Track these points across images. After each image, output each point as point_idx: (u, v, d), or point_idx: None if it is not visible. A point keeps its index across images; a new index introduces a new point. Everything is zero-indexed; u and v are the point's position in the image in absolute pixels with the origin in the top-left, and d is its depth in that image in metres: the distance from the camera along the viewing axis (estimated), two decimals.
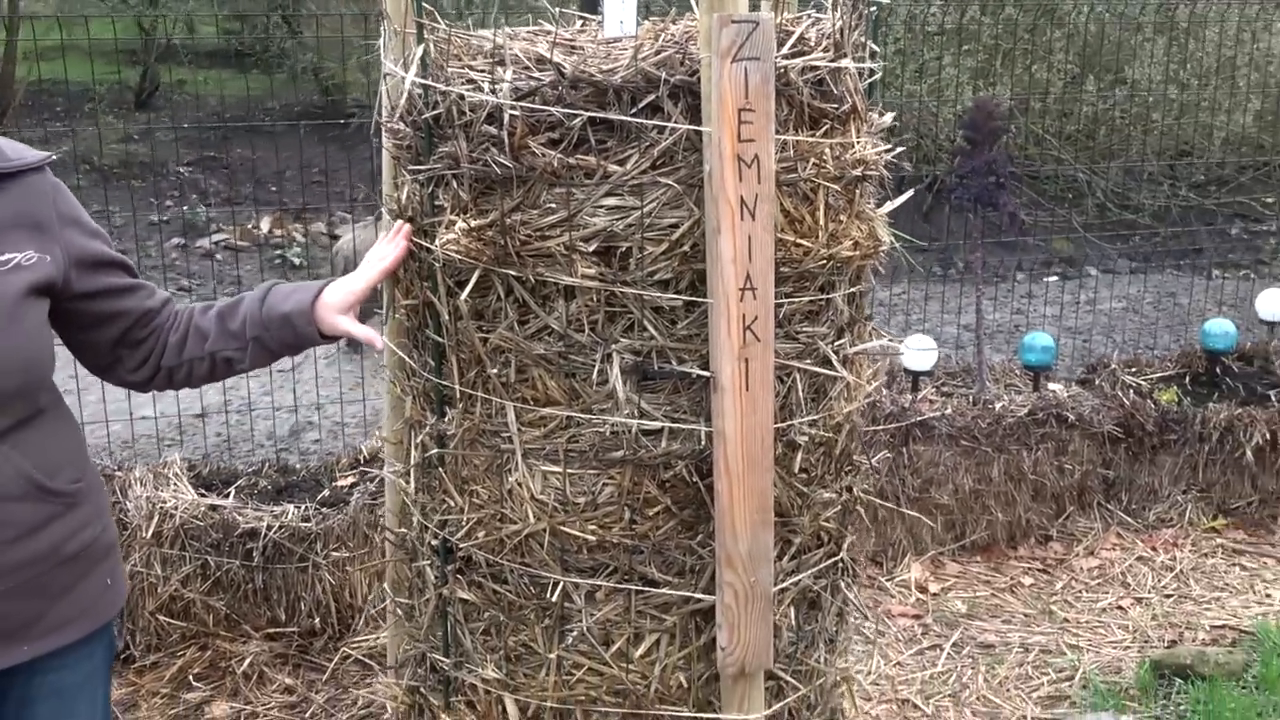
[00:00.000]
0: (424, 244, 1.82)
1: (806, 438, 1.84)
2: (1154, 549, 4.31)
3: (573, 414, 1.75)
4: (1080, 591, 4.07)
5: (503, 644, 1.88)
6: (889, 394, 4.25)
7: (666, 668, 1.84)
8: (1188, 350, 4.88)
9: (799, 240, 1.74)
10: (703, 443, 1.75)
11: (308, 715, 3.28)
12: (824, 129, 1.75)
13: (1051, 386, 4.51)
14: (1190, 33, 8.43)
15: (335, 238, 8.28)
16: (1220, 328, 4.63)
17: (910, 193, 1.96)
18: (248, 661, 3.40)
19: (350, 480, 3.80)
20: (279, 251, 8.80)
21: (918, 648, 3.71)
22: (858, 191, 1.82)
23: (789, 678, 1.94)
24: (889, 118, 1.90)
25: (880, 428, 4.08)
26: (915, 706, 3.40)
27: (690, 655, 1.85)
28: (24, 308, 1.71)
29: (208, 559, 3.40)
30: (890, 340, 1.98)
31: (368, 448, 4.00)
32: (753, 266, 1.64)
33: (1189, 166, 9.45)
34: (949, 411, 4.19)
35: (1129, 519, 4.43)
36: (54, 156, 1.84)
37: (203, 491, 3.60)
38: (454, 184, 1.76)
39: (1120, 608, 3.97)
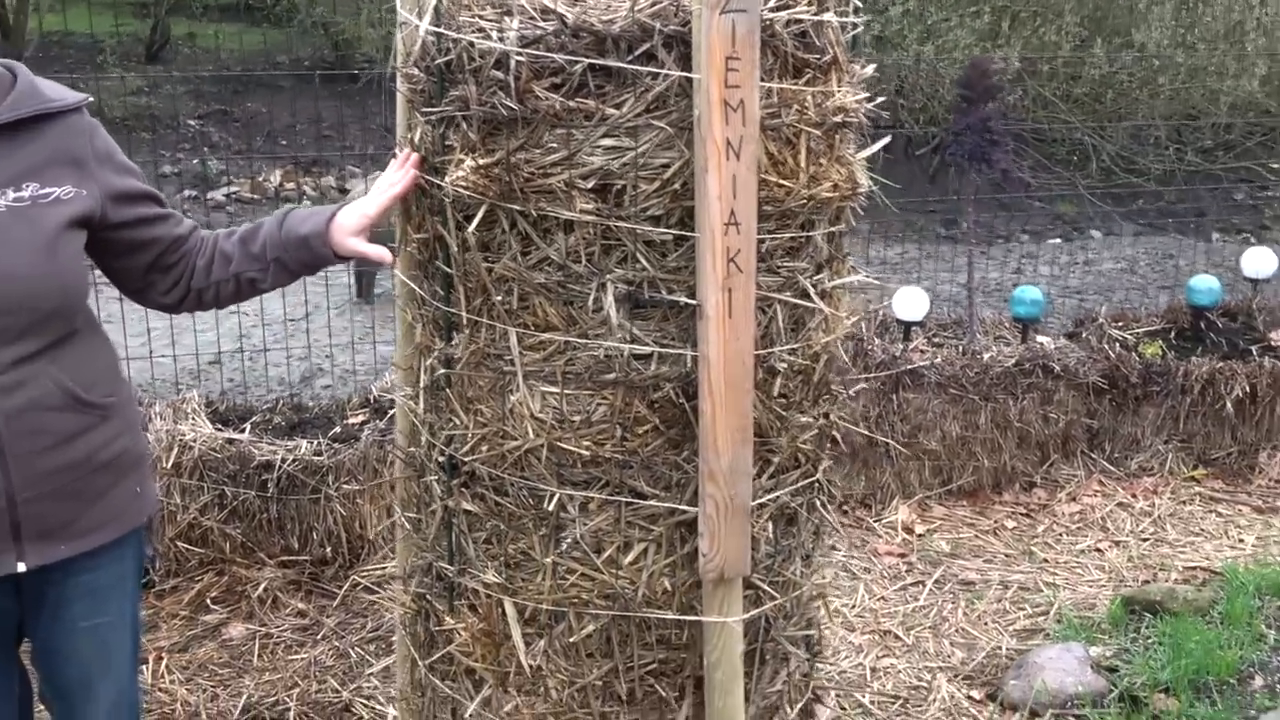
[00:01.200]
0: (435, 181, 1.97)
1: (786, 365, 1.99)
2: (1134, 496, 4.47)
3: (570, 339, 1.91)
4: (1061, 534, 4.24)
5: (503, 551, 2.04)
6: (880, 343, 4.40)
7: (653, 574, 2.00)
8: (1174, 306, 5.03)
9: (781, 181, 1.89)
10: (689, 366, 1.90)
11: (319, 637, 3.46)
12: (806, 78, 1.89)
13: (1040, 339, 4.65)
14: None
15: (345, 191, 8.39)
16: (1205, 284, 4.77)
17: (887, 139, 2.10)
18: (262, 586, 3.58)
19: (361, 418, 3.97)
20: (290, 205, 8.91)
21: (902, 584, 3.89)
22: (838, 137, 1.96)
23: (766, 587, 2.10)
24: (870, 69, 2.04)
25: (871, 375, 4.23)
26: (897, 637, 3.58)
27: (675, 563, 2.01)
28: (62, 239, 1.87)
29: (225, 489, 3.56)
30: (867, 277, 2.12)
31: (378, 388, 4.17)
32: (737, 203, 1.79)
33: (1196, 131, 9.52)
34: (939, 360, 4.34)
35: (1111, 467, 4.59)
36: (90, 99, 1.98)
37: (219, 426, 3.77)
38: (463, 125, 1.90)
39: (1098, 550, 4.13)
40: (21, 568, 1.92)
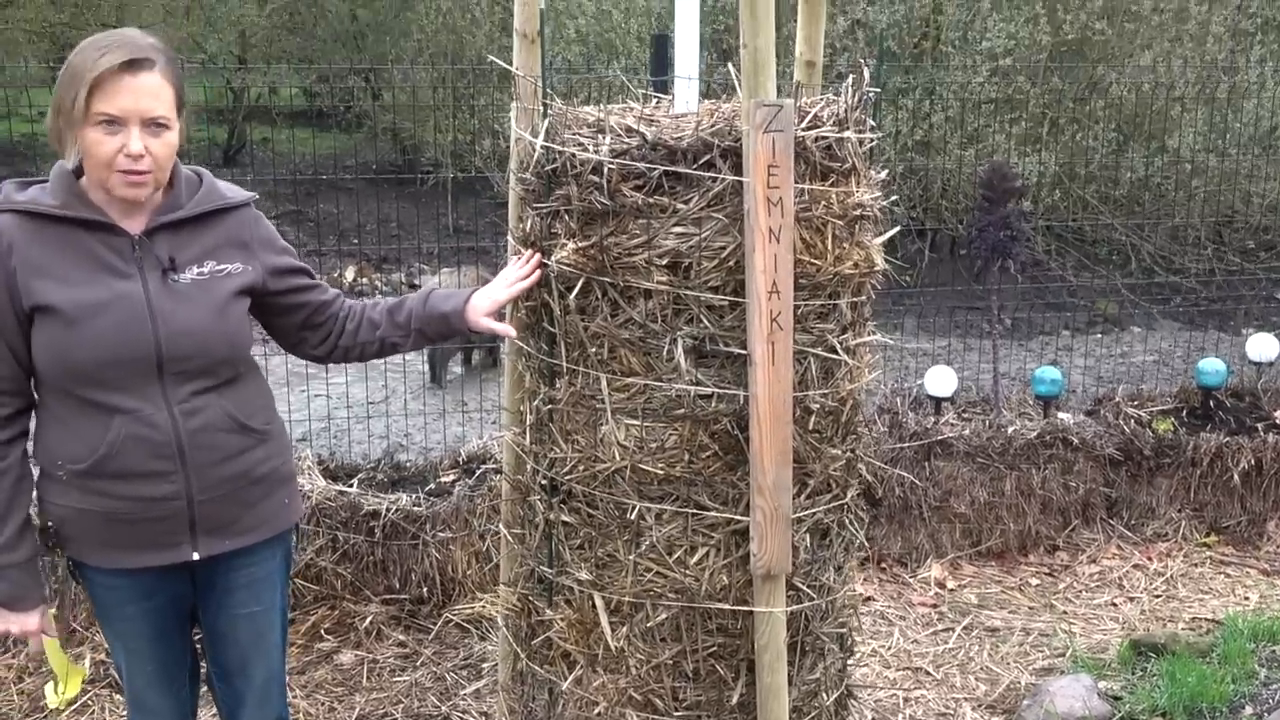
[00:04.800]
0: (543, 260, 2.53)
1: (819, 405, 2.51)
2: (1149, 559, 4.89)
3: (648, 382, 2.44)
4: (1080, 591, 4.66)
5: (593, 554, 2.56)
6: (914, 416, 4.89)
7: (713, 572, 2.51)
8: (1185, 387, 5.47)
9: (813, 260, 2.43)
10: (742, 404, 2.42)
11: (418, 664, 3.96)
12: (831, 180, 2.43)
13: (1060, 415, 5.12)
14: (1230, 104, 8.99)
15: (415, 286, 9.01)
16: (1212, 366, 5.22)
17: (896, 229, 2.63)
18: (368, 620, 4.09)
19: (452, 477, 4.51)
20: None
21: (933, 629, 4.33)
22: (857, 226, 2.50)
23: (806, 588, 2.60)
24: (884, 174, 2.58)
25: (905, 444, 4.71)
26: (927, 673, 4.01)
27: (731, 563, 2.51)
28: (231, 304, 2.42)
29: (337, 534, 4.10)
30: (882, 338, 2.64)
31: (465, 451, 4.71)
32: (778, 276, 2.33)
33: (1235, 231, 9.93)
34: (967, 432, 4.82)
35: (1129, 533, 5.02)
36: (256, 196, 2.54)
37: (330, 480, 4.32)
38: (566, 217, 2.46)
39: (1114, 604, 4.55)
40: (195, 556, 2.41)
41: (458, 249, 9.29)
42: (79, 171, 2.34)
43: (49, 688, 2.54)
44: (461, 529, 4.21)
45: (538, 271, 2.55)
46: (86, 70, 2.19)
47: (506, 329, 2.61)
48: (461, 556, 4.22)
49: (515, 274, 2.58)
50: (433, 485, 4.42)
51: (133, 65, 2.22)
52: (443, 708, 3.69)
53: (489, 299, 2.58)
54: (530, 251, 2.56)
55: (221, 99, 12.52)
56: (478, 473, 4.45)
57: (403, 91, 10.42)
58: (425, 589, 4.19)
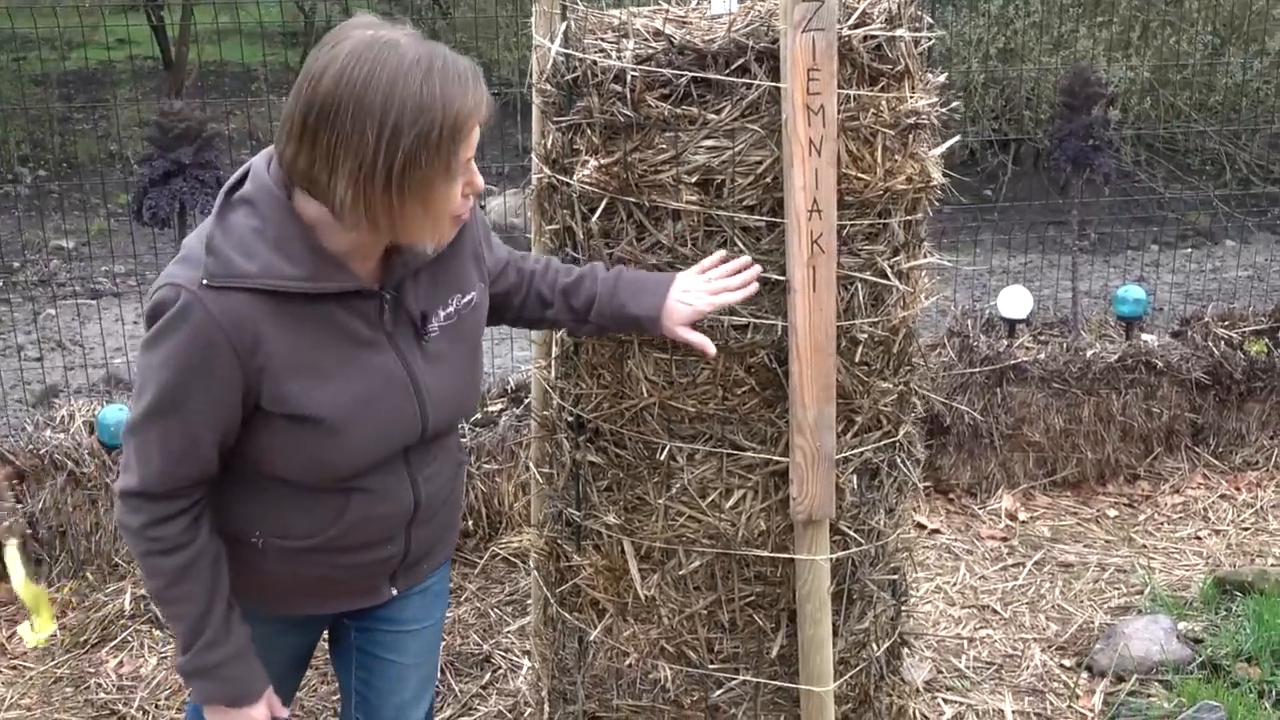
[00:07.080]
0: (564, 179, 2.32)
1: (866, 335, 2.28)
2: (1238, 489, 4.60)
3: None
4: (1161, 523, 4.40)
5: (622, 497, 2.38)
6: (986, 339, 4.62)
7: (750, 516, 2.31)
8: None
9: (860, 175, 2.19)
10: (780, 334, 2.20)
11: (462, 599, 3.84)
12: (881, 85, 2.18)
13: (1144, 336, 4.81)
14: None
15: (483, 207, 8.85)
16: None
17: (956, 139, 2.38)
18: None
19: (499, 406, 4.35)
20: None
21: (1002, 564, 4.11)
22: (910, 137, 2.25)
23: (853, 533, 2.39)
24: (941, 78, 2.32)
25: (975, 369, 4.46)
26: (994, 611, 3.80)
27: (770, 507, 2.31)
28: (479, 345, 2.01)
29: None
30: (940, 260, 2.40)
31: (514, 380, 4.55)
32: (819, 193, 2.10)
33: None
34: (1042, 356, 4.55)
35: (1215, 461, 4.72)
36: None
37: None
38: (588, 131, 2.25)
39: (1198, 538, 4.29)
40: (394, 593, 2.09)
41: (527, 169, 9.04)
42: (288, 190, 1.78)
43: (24, 628, 2.38)
44: (508, 461, 4.06)
45: (754, 287, 2.14)
46: (464, 122, 1.74)
47: (703, 342, 2.14)
48: (508, 489, 4.08)
49: (723, 282, 2.14)
50: (479, 415, 4.27)
51: None
52: (484, 646, 3.57)
53: (690, 310, 2.12)
54: (745, 260, 2.17)
55: (295, 21, 12.37)
56: (525, 402, 4.29)
57: (472, 9, 10.16)
58: (471, 522, 4.06)
